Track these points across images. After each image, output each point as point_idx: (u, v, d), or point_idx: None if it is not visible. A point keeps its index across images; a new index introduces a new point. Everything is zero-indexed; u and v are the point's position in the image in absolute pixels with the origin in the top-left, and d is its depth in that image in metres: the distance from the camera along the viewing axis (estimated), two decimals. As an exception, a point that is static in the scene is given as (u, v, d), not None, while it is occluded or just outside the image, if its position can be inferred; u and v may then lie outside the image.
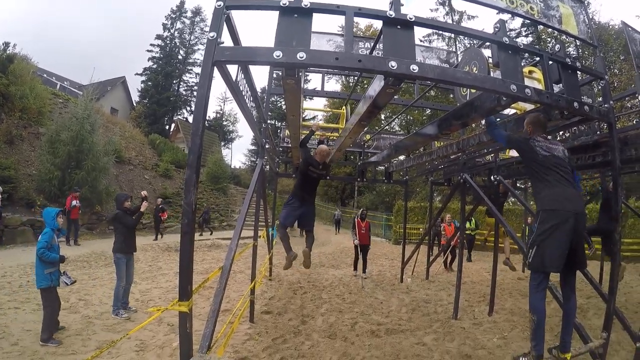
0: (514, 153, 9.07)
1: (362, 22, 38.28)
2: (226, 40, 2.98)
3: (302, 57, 2.70)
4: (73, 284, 6.02)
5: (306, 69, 8.48)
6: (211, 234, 19.37)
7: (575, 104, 3.59)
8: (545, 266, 3.24)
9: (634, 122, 11.23)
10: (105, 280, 8.72)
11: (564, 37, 12.60)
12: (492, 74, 3.45)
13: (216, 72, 3.00)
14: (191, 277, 2.71)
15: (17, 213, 13.56)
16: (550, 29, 25.97)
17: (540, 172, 3.42)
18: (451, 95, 29.54)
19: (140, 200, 7.15)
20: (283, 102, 44.69)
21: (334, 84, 40.73)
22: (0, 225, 12.20)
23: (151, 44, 45.67)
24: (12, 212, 13.44)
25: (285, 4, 2.92)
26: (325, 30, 7.97)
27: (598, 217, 8.37)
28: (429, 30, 35.73)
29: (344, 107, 9.24)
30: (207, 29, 2.87)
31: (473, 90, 4.25)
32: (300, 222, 5.91)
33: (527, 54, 4.57)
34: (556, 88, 3.88)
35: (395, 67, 2.79)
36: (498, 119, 4.82)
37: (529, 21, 30.07)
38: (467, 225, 13.31)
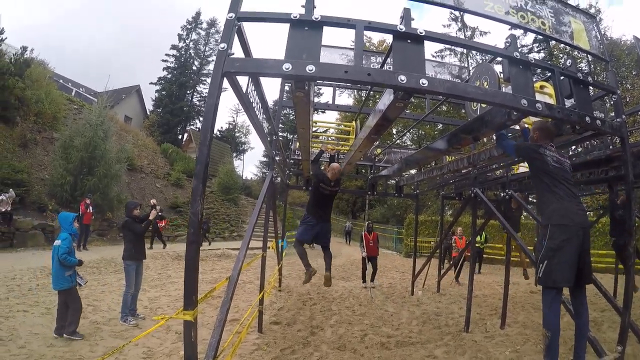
0: (523, 168, 9.03)
1: (375, 38, 38.55)
2: (237, 51, 3.02)
3: (311, 70, 2.72)
4: (85, 284, 6.34)
5: (317, 83, 8.54)
6: (209, 244, 19.00)
7: (587, 118, 3.55)
8: (556, 281, 3.20)
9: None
10: (114, 287, 8.77)
11: (576, 52, 12.56)
12: (503, 89, 3.45)
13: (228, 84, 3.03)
14: (196, 286, 2.72)
15: (28, 216, 13.78)
16: (562, 45, 25.95)
17: (549, 184, 3.39)
18: (462, 111, 29.47)
19: (149, 208, 7.26)
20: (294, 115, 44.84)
21: (346, 98, 40.82)
22: (11, 228, 12.36)
23: (166, 54, 46.23)
24: (24, 215, 13.68)
25: (295, 16, 2.95)
26: (339, 44, 8.05)
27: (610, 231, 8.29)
28: (441, 46, 35.97)
29: (354, 122, 9.30)
30: (222, 41, 2.91)
31: (484, 105, 4.26)
32: (317, 238, 6.02)
33: (539, 69, 4.56)
34: (568, 103, 3.85)
35: (404, 81, 2.79)
36: (509, 134, 4.80)
37: (540, 37, 30.08)
38: (477, 239, 13.21)
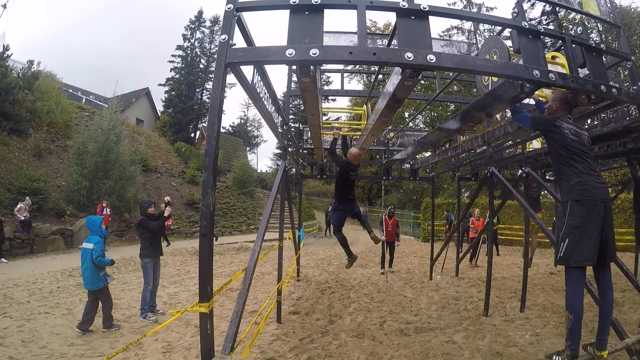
0: (535, 145, 8.87)
1: (380, 22, 38.22)
2: (240, 43, 2.97)
3: (315, 54, 2.65)
4: (112, 281, 6.49)
5: (324, 70, 8.46)
6: (216, 240, 17.71)
7: (603, 87, 3.40)
8: (578, 260, 3.04)
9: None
10: (134, 285, 8.87)
11: (586, 22, 12.24)
12: (514, 61, 3.35)
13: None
14: (211, 278, 2.70)
15: (47, 222, 14.04)
16: (571, 16, 25.29)
17: (567, 158, 3.24)
18: (474, 89, 29.12)
19: (164, 205, 7.31)
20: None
21: (356, 84, 40.65)
22: (31, 235, 12.59)
23: (172, 55, 46.38)
24: (43, 221, 13.95)
25: (295, 2, 2.89)
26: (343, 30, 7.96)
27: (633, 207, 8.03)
28: (448, 25, 35.49)
29: (364, 106, 9.22)
30: (225, 36, 2.86)
31: (494, 79, 4.15)
32: (352, 215, 6.64)
33: (549, 39, 4.42)
34: (581, 73, 3.73)
35: (411, 58, 2.71)
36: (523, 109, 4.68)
37: (549, 9, 29.28)
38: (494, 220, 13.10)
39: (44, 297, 7.59)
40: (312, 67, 3.09)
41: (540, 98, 3.98)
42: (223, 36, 2.75)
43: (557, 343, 5.33)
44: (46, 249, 13.00)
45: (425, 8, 2.94)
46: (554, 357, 3.20)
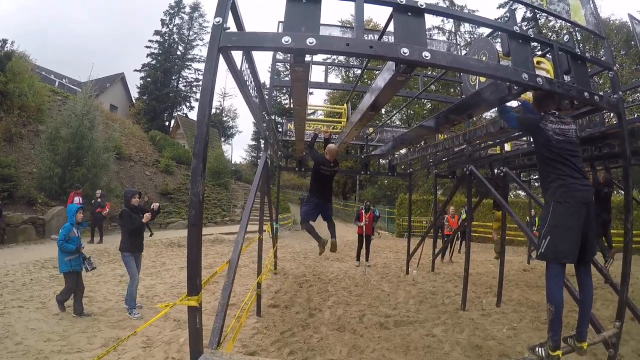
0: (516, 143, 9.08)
1: (375, 17, 38.26)
2: (231, 27, 2.90)
3: (312, 43, 2.61)
4: (93, 270, 6.67)
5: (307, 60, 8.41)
6: (151, 235, 15.57)
7: (586, 93, 3.52)
8: (559, 257, 3.16)
9: (635, 115, 11.24)
10: (109, 277, 8.67)
11: (565, 30, 12.52)
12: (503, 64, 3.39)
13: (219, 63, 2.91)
14: (199, 270, 2.64)
15: (18, 211, 13.58)
16: (551, 23, 25.86)
17: (552, 160, 3.29)
18: (452, 90, 29.61)
19: (151, 210, 6.96)
20: (284, 98, 44.71)
21: (334, 78, 40.63)
22: (1, 224, 12.16)
23: (149, 40, 45.64)
24: (13, 210, 13.44)
25: (292, -12, 2.83)
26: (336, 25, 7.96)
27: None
28: (430, 24, 35.77)
29: (345, 104, 9.28)
30: (206, 24, 2.84)
31: (482, 80, 4.20)
32: (322, 215, 6.52)
33: (534, 44, 4.50)
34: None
35: (407, 54, 2.70)
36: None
37: (529, 15, 29.89)
38: (463, 217, 13.36)
39: (16, 289, 7.33)
40: (307, 57, 3.05)
41: (526, 100, 4.07)
42: (217, 19, 2.66)
43: (533, 337, 5.48)
44: (17, 239, 12.62)
45: (422, 5, 2.93)
46: (537, 349, 3.29)
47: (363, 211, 12.20)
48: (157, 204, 7.56)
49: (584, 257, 3.33)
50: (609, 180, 7.98)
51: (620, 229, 13.80)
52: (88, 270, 6.41)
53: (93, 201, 13.86)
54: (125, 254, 6.49)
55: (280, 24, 7.10)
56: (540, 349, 3.27)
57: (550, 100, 3.56)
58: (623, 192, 5.50)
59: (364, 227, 11.93)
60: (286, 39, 2.60)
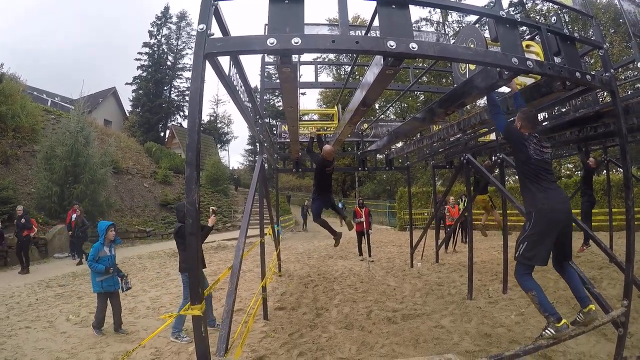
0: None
1: (363, 14, 38.31)
2: (217, 34, 2.88)
3: (297, 43, 2.60)
4: (128, 290, 6.44)
5: (295, 61, 8.43)
6: (79, 263, 12.51)
7: (577, 74, 3.54)
8: (532, 261, 3.51)
9: (629, 92, 11.26)
10: (114, 292, 8.64)
11: (553, 12, 12.51)
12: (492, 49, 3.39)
13: (208, 70, 2.90)
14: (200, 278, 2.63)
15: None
16: (538, 7, 25.85)
17: (531, 174, 3.57)
18: (444, 80, 29.61)
19: (213, 212, 6.43)
20: (277, 100, 44.76)
21: (325, 77, 40.65)
22: (4, 246, 12.08)
23: (139, 52, 45.64)
24: (14, 232, 13.29)
25: (273, -11, 2.82)
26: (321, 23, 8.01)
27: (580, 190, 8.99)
28: (417, 17, 35.72)
29: (335, 107, 9.36)
30: (194, 33, 2.79)
31: (472, 68, 4.20)
32: (327, 205, 7.38)
33: (522, 28, 4.49)
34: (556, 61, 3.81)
35: (394, 47, 2.70)
36: (498, 98, 4.75)
37: (516, 0, 29.90)
38: (461, 206, 13.38)
39: (23, 310, 7.31)
40: (293, 57, 3.04)
41: (518, 87, 4.14)
42: (201, 26, 2.64)
43: (542, 321, 5.38)
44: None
45: (405, -3, 2.93)
46: (544, 332, 3.36)
47: (358, 208, 12.48)
48: (214, 207, 7.60)
49: (560, 259, 3.70)
50: (599, 163, 8.34)
51: (621, 207, 13.91)
52: (124, 291, 6.29)
53: (16, 221, 11.97)
54: (187, 274, 5.15)
55: (266, 26, 7.12)
56: (546, 330, 3.35)
57: (534, 123, 3.79)
58: (622, 170, 5.49)
59: (363, 223, 12.04)
60: (271, 41, 2.60)
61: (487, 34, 3.66)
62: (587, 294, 3.58)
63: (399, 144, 11.02)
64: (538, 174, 3.54)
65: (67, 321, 6.66)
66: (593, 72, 4.05)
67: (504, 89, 5.17)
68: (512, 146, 3.83)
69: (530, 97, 4.43)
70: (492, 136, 8.95)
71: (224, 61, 3.40)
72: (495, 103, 4.05)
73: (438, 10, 33.79)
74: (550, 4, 4.51)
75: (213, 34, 2.71)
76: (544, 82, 4.12)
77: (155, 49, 45.96)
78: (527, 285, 3.49)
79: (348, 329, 5.95)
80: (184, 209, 6.31)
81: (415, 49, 2.75)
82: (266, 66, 9.15)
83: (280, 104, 43.48)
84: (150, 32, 46.07)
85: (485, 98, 4.38)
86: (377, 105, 33.13)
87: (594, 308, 3.46)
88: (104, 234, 6.18)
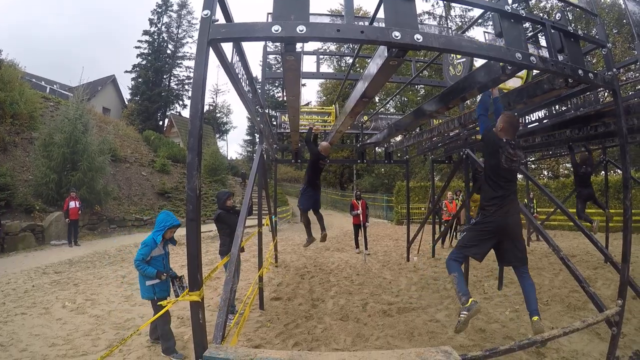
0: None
1: (365, 6, 38.07)
2: (219, 20, 2.85)
3: (302, 31, 2.58)
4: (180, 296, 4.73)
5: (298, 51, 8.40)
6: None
7: (580, 71, 3.53)
8: (467, 252, 3.73)
9: (629, 93, 11.25)
10: (111, 279, 8.65)
11: (555, 9, 12.47)
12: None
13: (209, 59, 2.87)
14: (200, 265, 2.63)
15: (16, 219, 13.47)
16: (542, 4, 25.74)
17: (494, 180, 3.67)
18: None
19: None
20: (277, 91, 44.63)
21: (326, 68, 40.48)
22: (0, 233, 12.10)
23: (139, 40, 45.15)
24: (12, 218, 13.35)
25: (278, -24, 2.79)
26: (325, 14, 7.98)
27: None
28: (420, 10, 35.52)
29: (333, 105, 9.41)
30: (195, 21, 2.80)
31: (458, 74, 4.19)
32: (314, 206, 7.08)
33: (526, 25, 4.47)
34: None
35: (399, 37, 2.68)
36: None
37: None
38: (456, 201, 13.42)
39: (19, 297, 7.32)
40: (297, 45, 3.02)
41: (497, 93, 4.29)
42: (205, 11, 2.62)
43: (536, 318, 5.48)
44: (17, 247, 12.54)
45: (411, -13, 2.91)
46: (461, 313, 3.49)
47: (355, 200, 12.55)
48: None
49: (505, 263, 3.93)
50: (585, 159, 8.37)
51: (618, 208, 13.93)
52: (178, 295, 4.64)
53: None
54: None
55: (269, 15, 7.08)
56: (461, 314, 3.49)
57: (515, 129, 3.83)
58: (621, 171, 5.51)
59: (360, 216, 12.16)
60: (276, 28, 2.57)
61: (490, 29, 3.64)
62: (537, 308, 3.62)
63: (398, 138, 10.98)
64: (499, 182, 3.64)
65: (62, 308, 6.67)
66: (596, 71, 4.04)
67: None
68: (486, 150, 3.87)
69: (532, 94, 4.42)
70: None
71: (227, 49, 3.38)
72: (486, 106, 4.12)
73: (441, 3, 33.68)
74: (555, 0, 4.48)
75: (217, 20, 2.69)
76: (546, 78, 4.10)
77: (155, 37, 45.55)
78: (452, 268, 3.64)
79: (343, 321, 5.98)
80: (224, 196, 6.42)
81: (420, 41, 2.73)
82: (269, 55, 9.12)
83: (280, 94, 43.38)
84: (150, 20, 45.65)
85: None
86: (377, 98, 33.14)
87: (536, 319, 3.50)
88: (162, 231, 4.98)
